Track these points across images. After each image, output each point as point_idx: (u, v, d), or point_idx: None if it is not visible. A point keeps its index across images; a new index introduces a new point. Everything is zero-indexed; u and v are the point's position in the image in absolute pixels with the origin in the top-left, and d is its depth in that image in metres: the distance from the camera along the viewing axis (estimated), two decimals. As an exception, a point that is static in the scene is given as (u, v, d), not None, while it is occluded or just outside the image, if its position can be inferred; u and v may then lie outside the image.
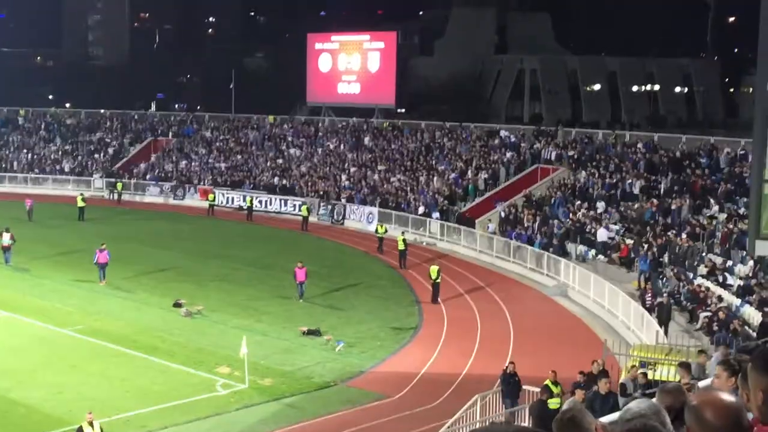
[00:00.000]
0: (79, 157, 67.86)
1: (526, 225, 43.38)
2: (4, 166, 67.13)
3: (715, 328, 26.89)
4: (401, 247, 41.92)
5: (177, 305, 33.20)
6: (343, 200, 54.01)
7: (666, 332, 27.46)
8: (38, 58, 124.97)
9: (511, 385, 22.29)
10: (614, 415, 6.94)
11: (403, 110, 72.63)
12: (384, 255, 43.86)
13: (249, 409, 23.69)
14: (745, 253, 30.95)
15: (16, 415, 22.66)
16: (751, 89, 72.88)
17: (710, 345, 25.53)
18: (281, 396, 24.70)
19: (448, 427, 20.19)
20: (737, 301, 28.78)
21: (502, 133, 56.98)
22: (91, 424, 19.35)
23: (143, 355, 27.76)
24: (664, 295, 29.86)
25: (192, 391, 24.73)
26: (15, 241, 40.09)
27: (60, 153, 68.59)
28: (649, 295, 30.67)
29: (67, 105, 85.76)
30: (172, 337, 29.77)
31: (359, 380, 26.46)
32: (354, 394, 25.27)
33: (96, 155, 68.02)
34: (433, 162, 55.30)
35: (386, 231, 45.35)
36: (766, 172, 17.78)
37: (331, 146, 62.09)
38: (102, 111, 74.38)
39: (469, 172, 52.31)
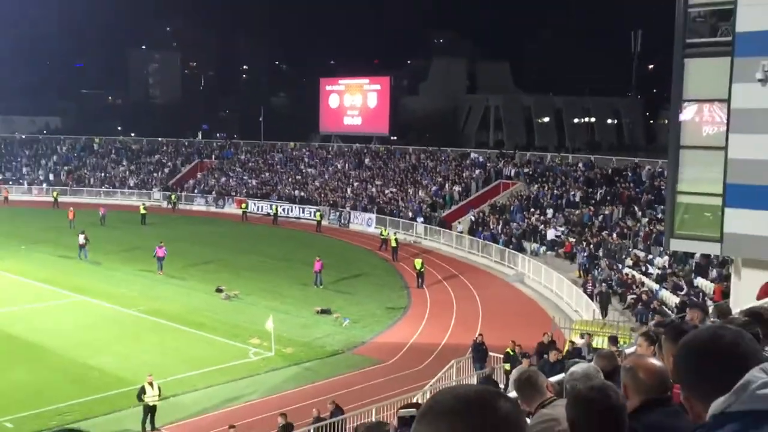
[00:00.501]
0: (142, 175, 67.81)
1: (491, 227, 43.41)
2: (83, 182, 67.13)
3: (640, 307, 26.94)
4: (393, 244, 41.89)
5: (218, 290, 33.14)
6: (348, 208, 53.98)
7: (605, 314, 27.41)
8: (109, 97, 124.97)
9: (480, 353, 22.32)
10: (560, 376, 6.95)
11: (395, 137, 72.65)
12: (385, 252, 43.13)
13: (275, 372, 23.70)
14: (662, 248, 31.01)
15: (92, 377, 22.65)
16: (666, 121, 72.96)
17: (635, 321, 25.58)
18: (300, 361, 24.69)
19: (431, 386, 20.19)
20: (656, 286, 28.82)
21: (472, 155, 57.03)
22: (151, 384, 19.32)
23: (192, 330, 27.74)
24: (603, 285, 29.75)
25: (230, 357, 24.71)
26: (89, 241, 40.00)
27: (127, 172, 68.49)
28: (590, 284, 30.50)
29: (132, 134, 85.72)
30: (214, 315, 29.74)
31: (361, 349, 26.46)
32: (357, 359, 25.28)
33: (155, 173, 67.97)
34: (419, 178, 55.34)
35: (388, 234, 44.70)
36: (678, 185, 17.80)
37: (339, 166, 62.09)
38: (159, 139, 74.32)
39: (447, 185, 52.32)
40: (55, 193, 61.36)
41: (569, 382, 4.11)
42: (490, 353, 22.29)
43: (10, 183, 65.92)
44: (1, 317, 28.54)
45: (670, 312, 24.90)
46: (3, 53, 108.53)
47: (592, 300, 28.91)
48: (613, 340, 15.56)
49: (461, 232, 44.62)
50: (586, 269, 33.84)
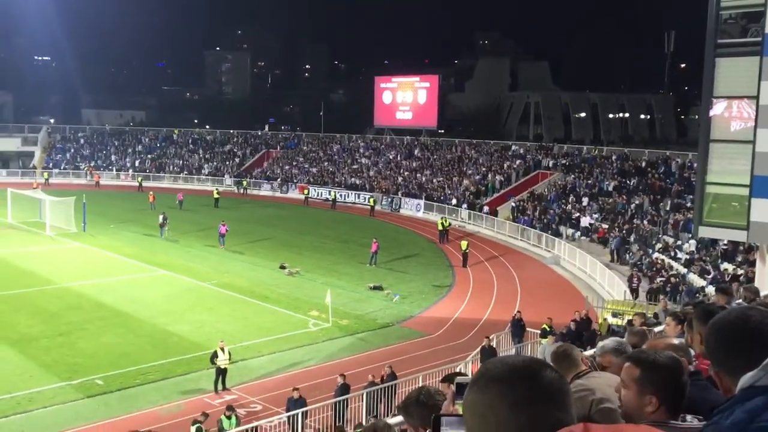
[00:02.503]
0: (215, 163, 68.91)
1: (530, 213, 42.98)
2: (164, 169, 68.50)
3: (668, 289, 26.39)
4: (440, 227, 41.70)
5: (282, 267, 33.51)
6: (399, 194, 54.01)
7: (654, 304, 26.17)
8: (187, 93, 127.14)
9: (518, 328, 22.21)
10: (592, 351, 6.86)
11: (442, 131, 72.29)
12: (445, 243, 40.94)
13: (332, 341, 23.92)
14: (690, 235, 30.32)
15: (171, 342, 23.20)
16: (696, 116, 71.01)
17: (668, 301, 25.03)
18: (354, 332, 24.87)
19: (472, 357, 20.16)
20: (684, 270, 28.20)
21: (513, 147, 56.46)
22: (222, 349, 19.70)
23: (258, 301, 28.13)
24: (655, 283, 28.14)
25: (292, 327, 25.02)
26: (167, 222, 40.76)
27: (202, 160, 69.69)
28: (636, 280, 28.15)
29: (207, 126, 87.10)
30: (278, 289, 30.11)
31: (410, 322, 26.53)
32: (406, 332, 25.35)
33: (227, 162, 69.01)
34: (464, 168, 55.02)
35: (450, 224, 42.96)
36: (708, 176, 17.36)
37: (391, 156, 62.13)
38: (231, 131, 75.34)
39: (489, 175, 51.92)
40: (139, 179, 62.87)
41: (601, 356, 4.06)
42: (527, 329, 22.15)
43: (101, 169, 67.76)
44: (94, 288, 29.40)
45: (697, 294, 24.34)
46: (95, 56, 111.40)
47: (633, 294, 26.87)
48: (629, 323, 15.27)
49: (487, 213, 45.21)
50: (617, 254, 33.27)
